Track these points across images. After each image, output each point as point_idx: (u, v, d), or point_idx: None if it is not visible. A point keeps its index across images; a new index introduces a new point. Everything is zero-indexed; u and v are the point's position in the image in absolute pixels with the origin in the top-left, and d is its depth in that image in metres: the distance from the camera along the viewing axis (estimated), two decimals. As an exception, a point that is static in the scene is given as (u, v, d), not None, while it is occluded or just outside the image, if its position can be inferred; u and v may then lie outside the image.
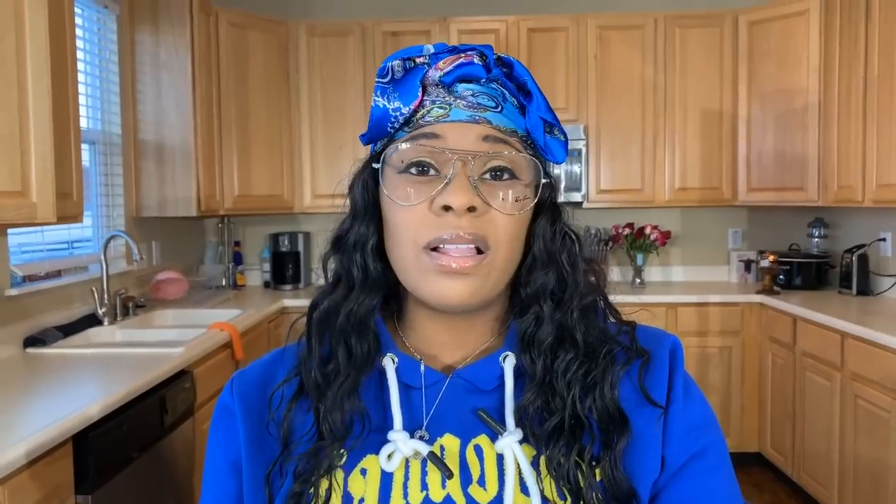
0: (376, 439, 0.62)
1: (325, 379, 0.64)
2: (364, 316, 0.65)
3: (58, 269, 2.67)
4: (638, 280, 3.85)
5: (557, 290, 0.65)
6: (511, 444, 0.60)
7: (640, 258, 3.84)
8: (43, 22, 1.83)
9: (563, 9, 3.87)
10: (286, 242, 3.90)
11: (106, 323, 2.69)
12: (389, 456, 0.61)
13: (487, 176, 0.61)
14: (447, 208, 0.59)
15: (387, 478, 0.61)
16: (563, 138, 0.65)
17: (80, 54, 2.60)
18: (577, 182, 3.66)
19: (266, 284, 3.99)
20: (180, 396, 2.16)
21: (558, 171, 3.64)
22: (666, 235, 3.82)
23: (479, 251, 0.60)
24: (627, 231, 3.84)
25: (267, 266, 3.98)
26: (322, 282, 0.70)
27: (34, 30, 1.80)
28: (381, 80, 0.63)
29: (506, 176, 0.62)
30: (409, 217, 0.61)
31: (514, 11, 3.79)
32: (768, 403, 3.37)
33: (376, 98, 0.64)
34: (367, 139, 0.67)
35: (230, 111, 3.50)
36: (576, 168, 3.66)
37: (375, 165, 0.65)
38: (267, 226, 4.10)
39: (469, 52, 0.62)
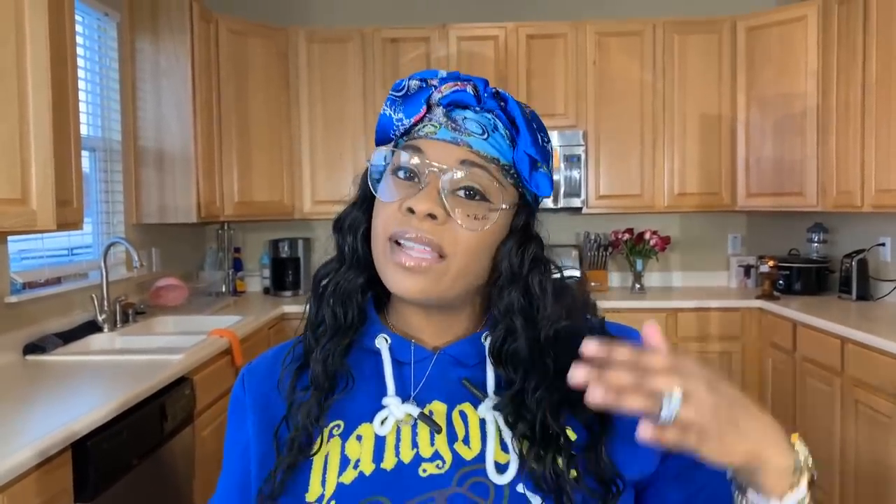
0: (371, 409, 0.70)
1: (315, 341, 0.73)
2: (349, 290, 0.74)
3: (58, 275, 2.67)
4: (637, 286, 3.85)
5: (528, 309, 0.70)
6: (491, 409, 0.68)
7: (639, 264, 3.84)
8: (43, 29, 1.84)
9: (562, 15, 3.89)
10: (286, 248, 3.90)
11: (106, 330, 2.69)
12: (383, 421, 0.69)
13: (461, 193, 0.68)
14: (411, 211, 0.66)
15: (380, 441, 0.69)
16: (548, 173, 0.71)
17: (80, 61, 2.61)
18: (576, 188, 3.67)
19: (266, 291, 3.99)
20: (180, 403, 2.16)
21: (558, 177, 3.65)
22: (665, 241, 3.83)
23: (440, 257, 0.67)
24: (627, 236, 3.84)
25: (267, 272, 3.98)
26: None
27: (35, 37, 1.81)
28: (395, 92, 0.73)
29: (477, 197, 0.68)
30: (385, 212, 0.69)
31: (513, 18, 3.80)
32: (769, 409, 3.36)
33: (385, 108, 0.73)
34: (376, 141, 0.76)
35: (230, 117, 3.51)
36: (575, 174, 3.66)
37: (366, 163, 0.74)
38: (267, 232, 4.10)
39: (466, 82, 0.71)
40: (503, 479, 0.65)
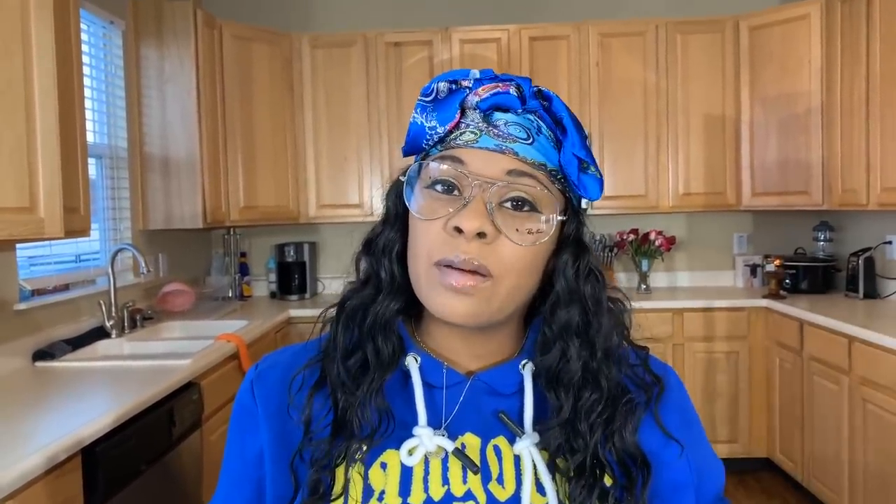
0: (397, 435, 0.64)
1: (347, 373, 0.66)
2: (390, 318, 0.67)
3: (66, 282, 2.69)
4: (643, 286, 3.84)
5: (582, 328, 0.65)
6: (528, 446, 0.62)
7: (645, 264, 3.84)
8: (49, 38, 1.86)
9: (564, 17, 3.89)
10: (292, 253, 3.91)
11: (114, 335, 2.70)
12: (411, 451, 0.63)
13: (508, 205, 0.62)
14: (458, 230, 0.60)
15: (406, 472, 0.63)
16: (598, 175, 0.66)
17: (85, 69, 2.63)
18: (580, 189, 3.66)
19: (272, 295, 4.00)
20: (188, 408, 2.17)
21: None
22: (671, 241, 3.82)
23: (490, 276, 0.61)
24: (632, 237, 3.84)
25: (273, 276, 3.99)
26: (349, 279, 0.73)
27: (41, 46, 1.82)
28: (423, 98, 0.66)
29: (526, 208, 0.62)
30: (426, 231, 0.63)
31: (515, 20, 3.81)
32: (776, 408, 3.36)
33: (415, 115, 0.66)
34: (405, 152, 0.69)
35: (235, 123, 3.53)
36: (579, 175, 3.66)
37: (402, 178, 0.67)
38: (272, 236, 4.12)
39: (507, 82, 0.64)
40: None
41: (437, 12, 4.00)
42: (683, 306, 3.50)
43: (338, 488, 0.63)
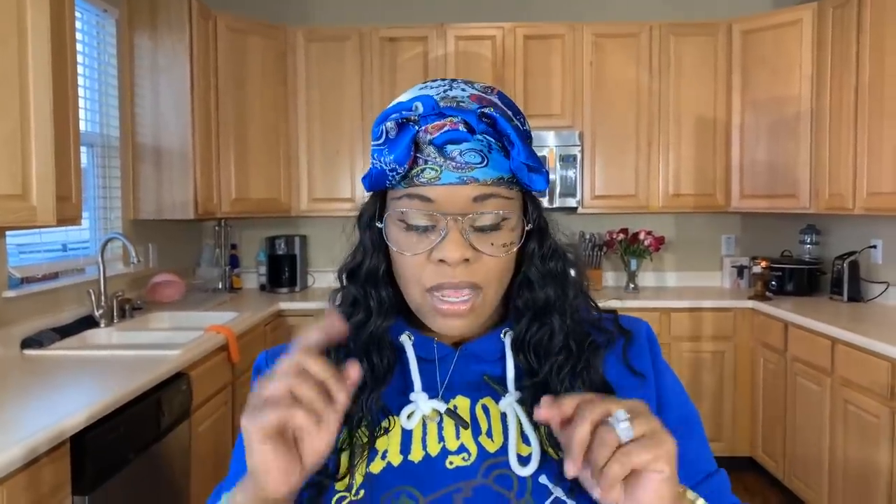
0: (396, 403, 0.72)
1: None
2: (382, 335, 0.74)
3: (55, 271, 2.69)
4: (632, 285, 3.88)
5: (555, 302, 0.74)
6: (512, 403, 0.71)
7: (633, 263, 3.87)
8: (45, 27, 1.85)
9: (560, 16, 3.91)
10: (282, 246, 3.92)
11: (103, 325, 2.70)
12: (409, 416, 0.71)
13: (480, 227, 0.69)
14: (443, 260, 0.67)
15: (406, 434, 0.71)
16: (543, 170, 0.72)
17: (79, 58, 2.62)
18: (571, 188, 3.69)
19: (262, 287, 4.00)
20: (177, 399, 2.18)
21: (553, 176, 3.67)
22: (660, 241, 3.86)
23: (478, 288, 0.69)
24: (621, 236, 3.87)
25: (263, 269, 3.99)
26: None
27: (36, 35, 1.82)
28: (376, 143, 0.70)
29: (495, 224, 0.69)
30: (412, 263, 0.69)
31: (510, 18, 3.82)
32: (760, 408, 3.40)
33: (373, 160, 0.70)
34: (368, 187, 0.74)
35: (228, 114, 3.53)
36: (571, 174, 3.69)
37: (379, 225, 0.73)
38: (263, 229, 4.12)
39: (454, 119, 0.67)
40: (526, 471, 0.67)
41: (432, 8, 4.00)
42: (671, 306, 3.53)
43: (342, 470, 0.69)
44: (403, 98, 0.70)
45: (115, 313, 2.80)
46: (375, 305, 0.74)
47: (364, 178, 0.73)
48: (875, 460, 2.45)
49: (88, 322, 2.69)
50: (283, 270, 3.92)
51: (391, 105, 0.70)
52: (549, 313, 0.73)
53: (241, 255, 4.12)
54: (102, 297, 2.73)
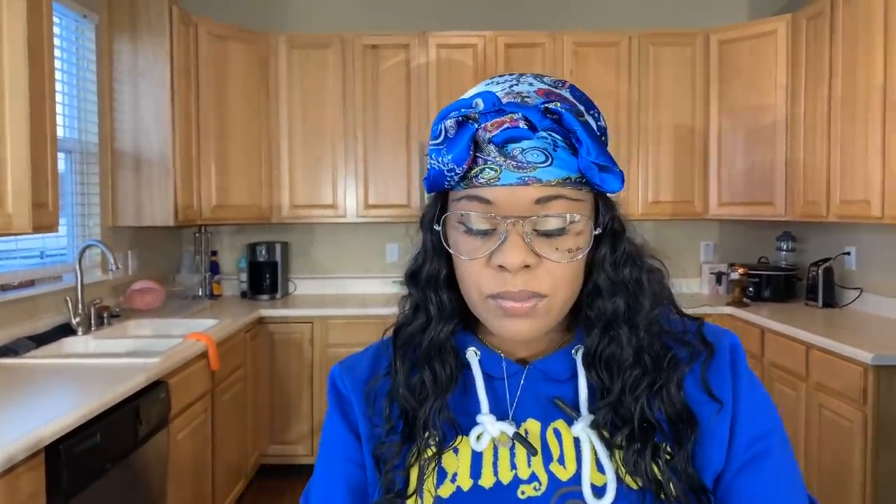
0: (464, 423, 0.69)
1: (411, 393, 0.71)
2: (444, 341, 0.72)
3: (31, 278, 2.65)
4: (612, 292, 3.90)
5: (626, 314, 0.68)
6: (585, 428, 0.66)
7: (614, 270, 3.89)
8: (21, 31, 1.84)
9: (540, 25, 3.95)
10: (263, 252, 3.90)
11: (80, 333, 2.67)
12: (479, 437, 0.68)
13: (543, 231, 0.64)
14: (502, 267, 0.63)
15: (477, 457, 0.68)
16: (618, 170, 0.67)
17: (56, 62, 2.60)
18: (552, 195, 3.71)
19: (243, 294, 3.98)
20: (155, 407, 2.16)
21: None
22: (639, 248, 3.89)
23: (543, 296, 0.65)
24: (602, 243, 3.90)
25: (244, 276, 3.97)
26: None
27: (12, 39, 1.81)
28: (434, 142, 0.66)
29: (560, 229, 0.64)
30: (471, 268, 0.66)
31: (492, 27, 3.86)
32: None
33: (431, 160, 0.67)
34: (428, 188, 0.70)
35: (209, 121, 3.51)
36: (552, 181, 3.71)
37: (437, 227, 0.70)
38: (244, 235, 4.10)
39: (515, 116, 0.63)
40: (601, 503, 0.63)
41: (414, 16, 4.02)
42: (650, 312, 3.56)
43: (411, 487, 0.68)
44: (467, 95, 0.67)
45: (92, 321, 2.77)
46: (435, 310, 0.72)
47: (424, 179, 0.70)
48: (849, 463, 2.49)
49: (66, 330, 2.66)
50: (265, 277, 3.90)
51: (453, 103, 0.66)
52: (619, 325, 0.68)
53: (222, 261, 4.10)
54: (80, 305, 2.70)
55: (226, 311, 3.47)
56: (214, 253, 4.04)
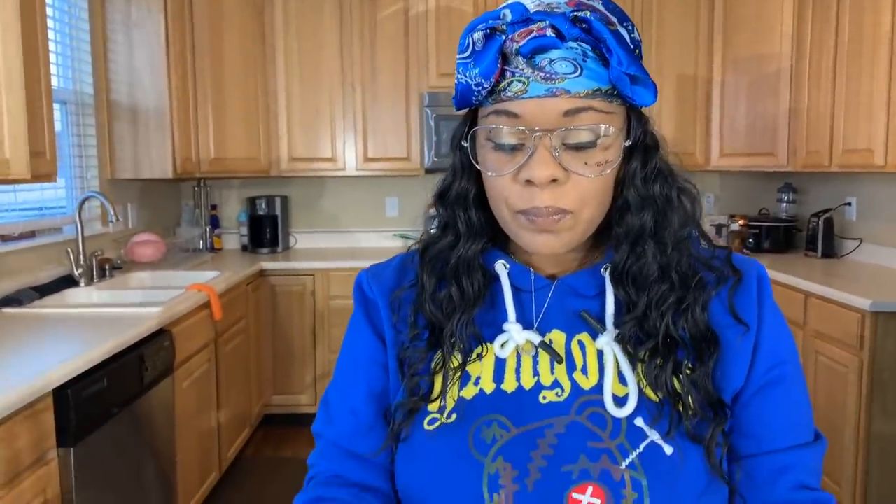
0: (490, 332, 0.71)
1: (437, 308, 0.72)
2: (472, 259, 0.72)
3: (32, 229, 2.66)
4: (612, 244, 3.91)
5: (654, 230, 0.68)
6: (610, 341, 0.67)
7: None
8: (11, -25, 1.80)
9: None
10: (263, 206, 3.89)
11: (83, 284, 2.69)
12: (503, 345, 0.69)
13: (572, 144, 0.63)
14: (530, 181, 0.63)
15: (500, 363, 0.69)
16: (650, 82, 0.65)
17: (49, 11, 2.55)
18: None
19: (244, 248, 3.99)
20: (159, 355, 2.19)
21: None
22: (640, 200, 3.88)
23: (571, 212, 0.65)
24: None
25: (244, 229, 3.97)
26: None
27: (2, -17, 1.77)
28: (461, 55, 0.65)
29: (589, 142, 0.63)
30: (500, 184, 0.66)
31: (492, -27, 3.76)
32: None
33: (458, 75, 0.65)
34: (457, 105, 0.69)
35: (205, 71, 3.46)
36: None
37: (465, 144, 0.70)
38: (244, 189, 4.08)
39: (542, 25, 0.61)
40: (621, 413, 0.64)
41: (412, -37, 3.92)
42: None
43: (435, 392, 0.69)
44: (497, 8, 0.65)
45: (94, 273, 2.79)
46: (464, 228, 0.72)
47: (453, 97, 0.69)
48: (844, 407, 2.53)
49: (68, 281, 2.67)
50: (265, 231, 3.90)
51: (481, 15, 0.65)
52: (646, 240, 0.67)
53: (222, 215, 4.09)
54: (81, 257, 2.70)
55: (227, 263, 3.48)
56: (214, 207, 4.03)
